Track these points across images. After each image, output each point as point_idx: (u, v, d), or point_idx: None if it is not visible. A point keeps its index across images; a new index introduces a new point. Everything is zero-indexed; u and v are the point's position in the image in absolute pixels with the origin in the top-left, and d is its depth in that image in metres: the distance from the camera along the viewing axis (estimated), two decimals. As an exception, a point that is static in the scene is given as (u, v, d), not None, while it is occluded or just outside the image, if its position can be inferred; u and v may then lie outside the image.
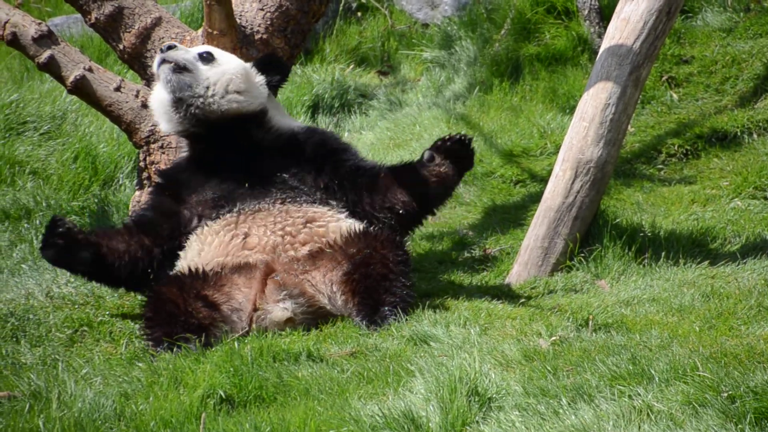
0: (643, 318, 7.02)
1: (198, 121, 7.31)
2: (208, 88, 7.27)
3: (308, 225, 7.14)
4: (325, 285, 7.02)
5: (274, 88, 7.48)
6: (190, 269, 6.97)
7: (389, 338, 6.78)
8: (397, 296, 6.99)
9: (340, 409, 5.71)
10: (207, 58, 7.33)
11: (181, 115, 7.29)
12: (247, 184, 7.21)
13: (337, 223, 7.19)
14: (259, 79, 7.40)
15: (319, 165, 7.33)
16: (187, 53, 7.29)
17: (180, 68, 7.26)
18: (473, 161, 7.49)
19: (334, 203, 7.29)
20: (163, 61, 7.26)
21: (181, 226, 7.23)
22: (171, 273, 7.03)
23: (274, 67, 7.44)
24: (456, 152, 7.37)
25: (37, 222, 8.96)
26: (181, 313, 6.81)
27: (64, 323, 7.18)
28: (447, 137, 7.39)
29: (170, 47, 7.26)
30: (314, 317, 7.01)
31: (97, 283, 7.39)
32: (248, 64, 7.42)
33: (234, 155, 7.32)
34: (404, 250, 7.14)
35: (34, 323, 7.18)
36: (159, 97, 7.34)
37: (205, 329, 6.80)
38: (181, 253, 7.17)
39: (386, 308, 6.96)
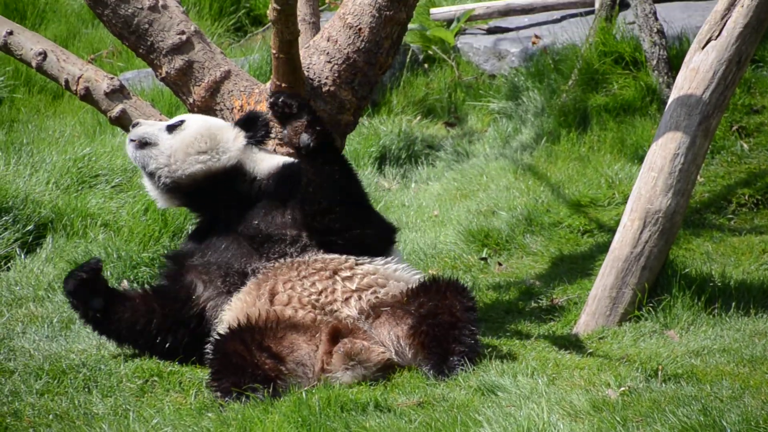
0: (714, 368, 6.95)
1: (175, 189, 7.47)
2: (169, 156, 7.40)
3: (336, 276, 7.18)
4: (391, 340, 7.03)
5: (259, 142, 7.51)
6: (242, 322, 7.00)
7: (456, 388, 6.77)
8: (466, 345, 6.98)
9: (408, 459, 5.71)
10: (175, 126, 7.49)
11: (159, 188, 7.48)
12: (242, 244, 7.31)
13: (364, 266, 7.23)
14: (230, 135, 7.45)
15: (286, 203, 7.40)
16: (151, 127, 7.47)
17: (142, 144, 7.44)
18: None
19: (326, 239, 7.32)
20: (130, 141, 7.48)
21: (191, 294, 7.33)
22: (222, 331, 7.05)
23: (255, 124, 7.51)
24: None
25: (108, 273, 9.05)
26: (248, 364, 6.83)
27: (135, 373, 7.24)
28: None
29: (135, 125, 7.48)
30: (383, 372, 7.02)
31: (99, 334, 7.48)
32: (220, 122, 7.52)
33: (228, 215, 7.40)
34: (470, 296, 7.14)
35: (105, 373, 7.24)
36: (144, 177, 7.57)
37: (272, 380, 6.82)
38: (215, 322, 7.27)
39: (455, 358, 6.95)
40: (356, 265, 7.25)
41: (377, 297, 7.14)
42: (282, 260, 7.27)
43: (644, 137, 11.17)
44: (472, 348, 6.99)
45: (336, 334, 6.98)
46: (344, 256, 7.27)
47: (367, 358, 6.94)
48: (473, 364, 6.95)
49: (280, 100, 7.13)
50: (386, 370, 7.02)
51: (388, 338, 7.03)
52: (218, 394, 6.82)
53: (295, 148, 7.24)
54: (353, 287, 7.17)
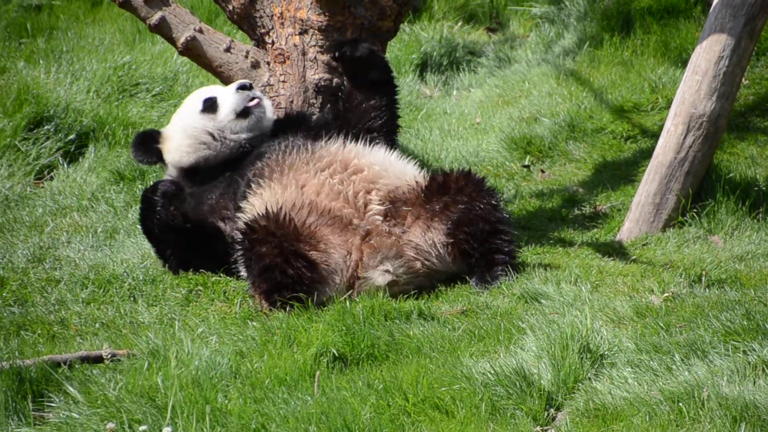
0: (758, 273, 6.93)
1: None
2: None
3: (348, 170, 7.22)
4: (429, 246, 7.05)
5: None
6: (276, 215, 7.01)
7: (500, 296, 6.79)
8: (507, 253, 7.01)
9: (451, 366, 5.74)
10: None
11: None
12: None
13: (370, 158, 7.28)
14: None
15: None
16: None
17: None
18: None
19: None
20: (254, 99, 7.59)
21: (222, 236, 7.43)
22: (256, 222, 7.05)
23: None
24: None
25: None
26: (285, 274, 6.85)
27: (180, 283, 7.29)
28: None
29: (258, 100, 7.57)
30: (419, 278, 7.04)
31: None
32: None
33: None
34: (493, 190, 7.21)
35: (150, 283, 7.30)
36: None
37: (311, 289, 6.85)
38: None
39: (498, 268, 6.98)
40: (360, 155, 7.30)
41: (390, 189, 7.16)
42: (288, 153, 7.32)
43: (688, 40, 11.03)
44: (512, 254, 7.03)
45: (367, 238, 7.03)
46: (345, 146, 7.32)
47: (397, 253, 6.96)
48: (515, 270, 6.98)
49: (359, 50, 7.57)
50: (422, 276, 7.04)
51: (424, 244, 7.05)
52: (264, 303, 6.87)
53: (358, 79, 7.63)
54: (366, 178, 7.19)
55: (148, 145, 7.61)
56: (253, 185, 7.21)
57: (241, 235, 6.97)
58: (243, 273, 7.05)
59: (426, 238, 7.06)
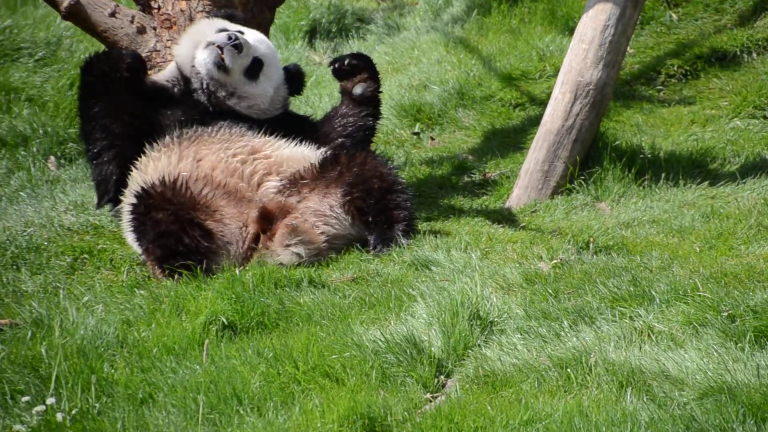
0: (644, 239, 7.03)
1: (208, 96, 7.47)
2: (233, 95, 7.47)
3: (256, 156, 7.20)
4: (325, 210, 7.04)
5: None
6: (173, 183, 6.93)
7: (390, 263, 6.79)
8: (407, 209, 7.06)
9: (342, 334, 5.73)
10: (255, 69, 7.46)
11: (205, 84, 7.43)
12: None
13: (283, 151, 7.24)
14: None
15: None
16: (242, 62, 7.39)
17: (226, 69, 7.36)
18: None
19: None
20: (219, 47, 7.34)
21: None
22: (153, 188, 6.95)
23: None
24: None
25: (34, 149, 8.93)
26: (180, 241, 6.79)
27: (64, 251, 7.18)
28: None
29: (236, 46, 7.33)
30: (323, 251, 7.04)
31: None
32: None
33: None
34: (387, 160, 7.33)
35: (34, 251, 7.17)
36: (193, 48, 7.45)
37: (203, 257, 6.80)
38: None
39: (400, 225, 7.01)
40: (274, 148, 7.26)
41: (291, 172, 7.14)
42: (214, 130, 7.26)
43: (575, 9, 11.11)
44: (410, 211, 7.08)
45: (266, 214, 6.96)
46: (263, 138, 7.27)
47: (311, 240, 6.94)
48: (414, 231, 7.01)
49: (346, 62, 7.64)
50: (323, 249, 7.02)
51: (322, 208, 7.03)
52: (157, 270, 6.80)
53: (347, 94, 7.68)
54: (270, 163, 7.16)
55: None
56: (155, 144, 7.15)
57: (136, 199, 6.88)
58: (132, 238, 6.96)
59: (324, 203, 7.06)
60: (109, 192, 7.26)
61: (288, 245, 6.91)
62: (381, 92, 7.80)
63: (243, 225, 6.96)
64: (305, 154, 7.28)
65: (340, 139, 7.55)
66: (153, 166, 7.06)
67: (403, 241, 6.97)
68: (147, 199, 6.86)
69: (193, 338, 5.89)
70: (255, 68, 7.41)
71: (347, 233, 7.09)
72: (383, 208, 7.05)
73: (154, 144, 7.18)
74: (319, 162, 7.18)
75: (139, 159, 7.16)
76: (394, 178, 7.16)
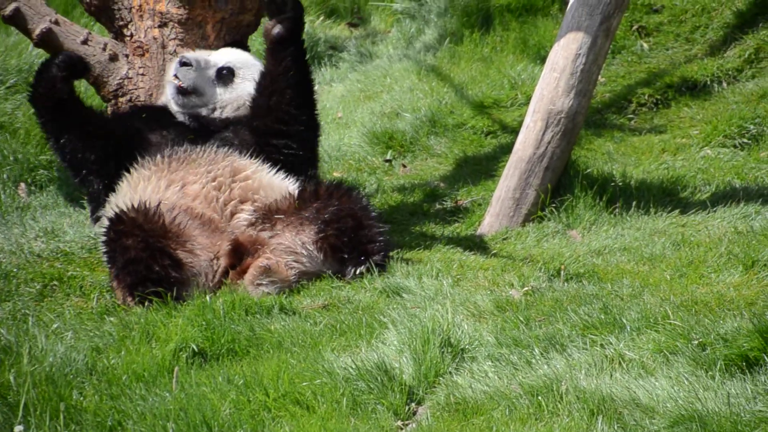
0: (615, 267, 7.04)
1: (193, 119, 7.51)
2: (215, 108, 7.50)
3: (236, 178, 7.18)
4: (297, 246, 7.02)
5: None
6: (146, 209, 6.92)
7: (362, 290, 6.79)
8: (380, 242, 7.03)
9: (313, 361, 5.72)
10: (226, 76, 7.48)
11: (181, 112, 7.49)
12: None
13: (263, 175, 7.23)
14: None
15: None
16: (202, 74, 7.40)
17: (187, 92, 7.42)
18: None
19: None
20: (175, 85, 7.44)
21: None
22: (125, 214, 6.93)
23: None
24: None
25: (5, 176, 8.89)
26: (149, 269, 6.77)
27: (34, 278, 7.14)
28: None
29: (184, 63, 7.39)
30: (292, 284, 7.01)
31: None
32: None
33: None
34: (360, 194, 7.26)
35: (3, 278, 7.13)
36: (168, 98, 7.54)
37: (173, 286, 6.78)
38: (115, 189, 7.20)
39: (377, 257, 6.99)
40: (254, 170, 7.23)
41: (265, 204, 7.12)
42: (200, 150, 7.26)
43: (546, 38, 11.17)
44: (386, 245, 7.05)
45: (238, 247, 6.95)
46: (248, 160, 7.25)
47: (282, 279, 6.92)
48: (390, 259, 7.00)
49: None
50: (290, 287, 7.01)
51: (294, 245, 7.01)
52: (127, 298, 6.77)
53: (268, 40, 7.35)
54: (247, 188, 7.14)
55: None
56: (143, 164, 7.18)
57: (108, 224, 6.88)
58: (105, 262, 6.95)
59: (296, 240, 7.03)
60: (101, 205, 7.28)
61: (259, 284, 6.89)
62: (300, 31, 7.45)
63: (214, 257, 6.94)
64: (284, 182, 7.25)
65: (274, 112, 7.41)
66: (143, 186, 7.07)
67: (375, 267, 6.95)
68: (118, 224, 6.84)
69: (163, 365, 5.87)
70: (225, 76, 7.43)
71: (317, 270, 7.07)
72: (357, 243, 7.02)
73: (146, 159, 7.19)
74: (297, 196, 7.14)
75: (128, 169, 7.17)
76: (369, 215, 7.13)
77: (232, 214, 7.11)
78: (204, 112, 7.42)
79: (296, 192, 7.16)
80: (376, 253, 7.02)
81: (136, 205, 6.90)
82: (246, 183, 7.18)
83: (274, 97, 7.36)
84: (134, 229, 6.81)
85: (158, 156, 7.20)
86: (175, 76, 7.37)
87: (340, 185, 7.24)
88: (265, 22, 7.48)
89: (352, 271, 6.95)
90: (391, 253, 7.14)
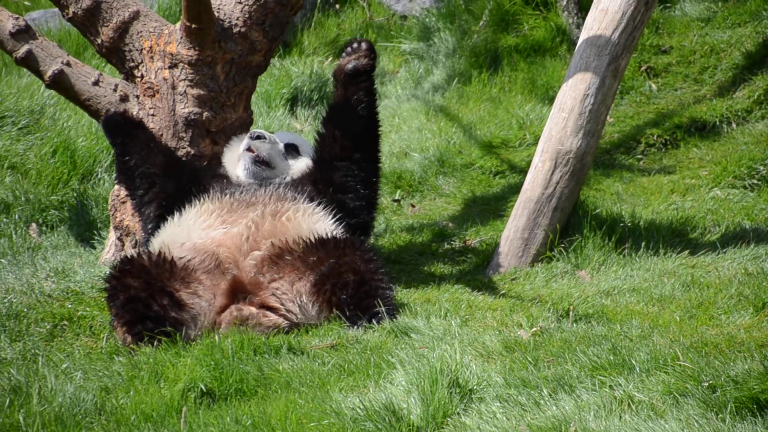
0: (624, 308, 7.03)
1: None
2: (281, 175, 7.68)
3: (274, 216, 7.20)
4: (293, 297, 7.00)
5: None
6: (155, 254, 6.98)
7: (370, 330, 6.78)
8: (382, 297, 6.96)
9: (321, 401, 5.71)
10: (292, 151, 7.75)
11: (252, 182, 7.65)
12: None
13: (304, 216, 7.24)
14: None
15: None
16: (274, 147, 7.66)
17: (264, 162, 7.63)
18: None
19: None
20: (249, 149, 7.63)
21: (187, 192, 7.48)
22: (136, 258, 6.98)
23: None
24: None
25: (16, 217, 8.92)
26: (149, 309, 6.79)
27: (44, 318, 7.16)
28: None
29: (258, 137, 7.61)
30: (279, 331, 6.99)
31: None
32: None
33: None
34: (368, 248, 7.15)
35: (13, 318, 7.15)
36: (235, 164, 7.72)
37: (172, 324, 6.79)
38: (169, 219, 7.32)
39: (378, 310, 6.93)
40: (294, 212, 7.28)
41: (285, 243, 7.11)
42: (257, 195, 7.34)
43: (555, 78, 11.21)
44: (388, 302, 6.98)
45: (235, 288, 6.95)
46: (297, 203, 7.31)
47: (258, 323, 6.92)
48: (394, 312, 6.95)
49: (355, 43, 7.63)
50: (281, 329, 6.99)
51: (289, 294, 7.00)
52: (126, 336, 6.78)
53: (342, 74, 7.56)
54: (272, 231, 7.16)
55: None
56: (204, 196, 7.34)
57: (117, 264, 6.95)
58: (107, 301, 6.98)
59: (292, 289, 7.01)
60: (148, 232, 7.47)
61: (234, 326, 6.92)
62: (374, 71, 7.68)
63: (213, 296, 6.95)
64: (318, 225, 7.27)
65: (339, 142, 7.56)
66: (194, 219, 7.21)
67: (376, 321, 6.89)
68: (124, 265, 6.88)
69: (172, 405, 5.86)
70: (292, 149, 7.71)
71: (308, 322, 7.03)
72: (358, 301, 6.98)
73: (204, 195, 7.34)
74: (308, 241, 7.15)
75: (182, 203, 7.28)
76: (372, 268, 7.04)
77: (250, 252, 7.12)
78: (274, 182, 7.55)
79: (312, 238, 7.15)
80: (378, 311, 6.95)
81: (146, 251, 6.95)
82: (278, 222, 7.19)
83: (343, 125, 7.55)
84: (139, 271, 6.85)
85: (225, 195, 7.29)
86: (249, 149, 7.51)
87: (352, 239, 7.19)
88: (337, 61, 7.80)
89: (352, 328, 6.90)
90: (394, 307, 7.05)
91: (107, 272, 6.98)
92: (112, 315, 6.89)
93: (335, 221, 7.34)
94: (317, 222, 7.28)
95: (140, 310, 6.78)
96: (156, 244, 7.14)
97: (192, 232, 7.14)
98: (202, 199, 7.31)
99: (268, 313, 6.96)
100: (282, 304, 6.98)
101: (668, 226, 8.41)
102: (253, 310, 6.92)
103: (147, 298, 6.79)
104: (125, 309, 6.80)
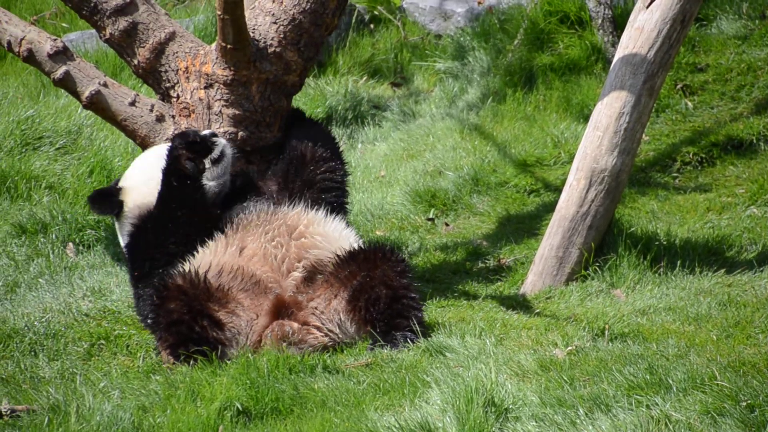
0: (660, 327, 7.01)
1: None
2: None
3: (293, 236, 7.23)
4: (331, 316, 7.03)
5: None
6: (192, 276, 6.99)
7: (405, 349, 6.79)
8: (411, 317, 6.97)
9: (356, 420, 5.72)
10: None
11: None
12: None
13: (322, 227, 7.27)
14: None
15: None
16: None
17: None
18: None
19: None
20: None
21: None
22: (171, 280, 7.01)
23: None
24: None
25: (53, 236, 8.98)
26: (190, 329, 6.82)
27: (82, 337, 7.21)
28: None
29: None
30: (323, 350, 7.02)
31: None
32: None
33: None
34: (400, 258, 7.15)
35: (51, 337, 7.20)
36: None
37: (214, 344, 6.82)
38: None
39: (407, 333, 6.94)
40: (311, 224, 7.29)
41: (317, 260, 7.15)
42: (256, 213, 7.33)
43: (590, 96, 11.19)
44: (417, 319, 6.98)
45: (278, 307, 6.98)
46: (304, 213, 7.32)
47: (302, 339, 6.94)
48: (422, 328, 6.96)
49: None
50: (326, 347, 7.01)
51: (327, 313, 7.02)
52: (170, 357, 6.82)
53: None
54: (301, 249, 7.19)
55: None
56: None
57: (154, 290, 6.94)
58: (151, 326, 7.00)
59: (330, 307, 7.04)
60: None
61: (282, 350, 6.92)
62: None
63: (256, 316, 6.98)
64: (343, 242, 7.30)
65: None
66: (208, 254, 7.17)
67: (398, 346, 6.88)
68: (163, 290, 6.91)
69: (208, 424, 5.88)
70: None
71: (349, 340, 7.05)
72: (389, 318, 6.99)
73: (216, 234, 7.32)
74: (340, 256, 7.16)
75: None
76: (404, 283, 7.05)
77: (288, 272, 7.16)
78: None
79: (342, 252, 7.18)
80: (401, 328, 6.95)
81: (182, 272, 6.97)
82: (301, 241, 7.23)
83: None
84: (179, 294, 6.88)
85: (228, 225, 7.31)
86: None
87: (382, 246, 7.22)
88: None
89: (383, 346, 6.89)
90: (421, 325, 7.04)
91: (149, 298, 6.99)
92: (156, 339, 6.93)
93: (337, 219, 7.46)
94: (338, 225, 7.35)
95: (183, 333, 6.82)
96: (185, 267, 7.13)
97: (214, 254, 7.16)
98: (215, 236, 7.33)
99: (313, 330, 6.98)
100: (323, 324, 7.01)
101: (704, 245, 8.38)
102: (296, 326, 6.94)
103: (189, 321, 6.83)
104: (168, 332, 6.84)
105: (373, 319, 6.96)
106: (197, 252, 7.17)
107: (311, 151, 7.68)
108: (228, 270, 7.06)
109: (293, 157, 7.66)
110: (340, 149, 7.86)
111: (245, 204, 7.47)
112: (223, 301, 6.94)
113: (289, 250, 7.18)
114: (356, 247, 7.19)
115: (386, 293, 6.98)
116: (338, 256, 7.13)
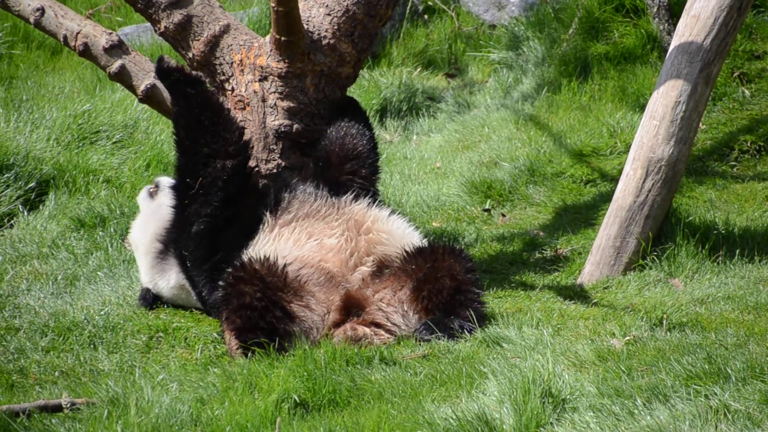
0: (719, 316, 6.96)
1: None
2: None
3: (360, 231, 7.26)
4: (395, 307, 7.04)
5: None
6: (271, 263, 7.01)
7: (461, 340, 6.78)
8: (472, 309, 6.98)
9: (413, 412, 5.72)
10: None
11: None
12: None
13: (387, 225, 7.29)
14: None
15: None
16: None
17: None
18: None
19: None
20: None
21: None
22: (249, 264, 7.03)
23: None
24: None
25: (112, 230, 9.05)
26: (259, 318, 6.83)
27: (140, 330, 7.26)
28: None
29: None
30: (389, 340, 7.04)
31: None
32: None
33: None
34: (468, 257, 7.18)
35: (110, 330, 7.25)
36: None
37: (281, 336, 6.83)
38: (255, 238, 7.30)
39: (466, 324, 6.94)
40: (376, 221, 7.32)
41: (385, 255, 7.19)
42: (314, 201, 7.38)
43: (645, 85, 11.13)
44: (478, 312, 7.00)
45: (348, 303, 6.99)
46: (368, 209, 7.34)
47: (371, 342, 6.94)
48: (482, 321, 6.96)
49: None
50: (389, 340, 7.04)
51: (393, 304, 7.04)
52: (233, 341, 6.83)
53: None
54: (370, 244, 7.22)
55: None
56: (275, 221, 7.32)
57: (231, 269, 6.98)
58: (216, 305, 7.06)
59: (396, 297, 7.06)
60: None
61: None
62: None
63: (327, 311, 7.00)
64: (406, 239, 7.32)
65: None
66: (286, 238, 7.22)
67: (457, 334, 6.89)
68: (239, 271, 6.93)
69: (266, 416, 5.91)
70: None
71: (411, 331, 7.05)
72: (450, 308, 7.00)
73: (273, 214, 7.35)
74: (407, 252, 7.19)
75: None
76: (468, 277, 7.08)
77: (356, 267, 7.19)
78: None
79: (409, 248, 7.20)
80: (462, 318, 6.96)
81: (261, 258, 6.99)
82: (369, 236, 7.26)
83: None
84: (254, 279, 6.89)
85: (291, 204, 7.35)
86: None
87: (449, 244, 7.28)
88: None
89: (441, 336, 6.90)
90: (483, 318, 7.05)
91: (223, 278, 7.02)
92: (223, 318, 6.94)
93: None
94: (400, 223, 7.38)
95: (253, 319, 6.82)
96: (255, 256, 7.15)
97: (287, 245, 7.19)
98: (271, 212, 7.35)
99: (380, 331, 6.99)
100: (387, 318, 7.02)
101: (763, 233, 8.31)
102: (367, 330, 6.96)
103: (261, 309, 6.84)
104: (237, 314, 6.85)
105: (434, 308, 6.97)
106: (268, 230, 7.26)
107: (349, 143, 7.69)
108: (307, 263, 7.08)
109: (329, 150, 7.70)
110: (376, 141, 7.88)
111: (290, 183, 7.48)
112: (298, 293, 6.96)
113: (358, 245, 7.21)
114: (424, 244, 7.23)
115: (450, 284, 7.00)
116: (406, 251, 7.16)
